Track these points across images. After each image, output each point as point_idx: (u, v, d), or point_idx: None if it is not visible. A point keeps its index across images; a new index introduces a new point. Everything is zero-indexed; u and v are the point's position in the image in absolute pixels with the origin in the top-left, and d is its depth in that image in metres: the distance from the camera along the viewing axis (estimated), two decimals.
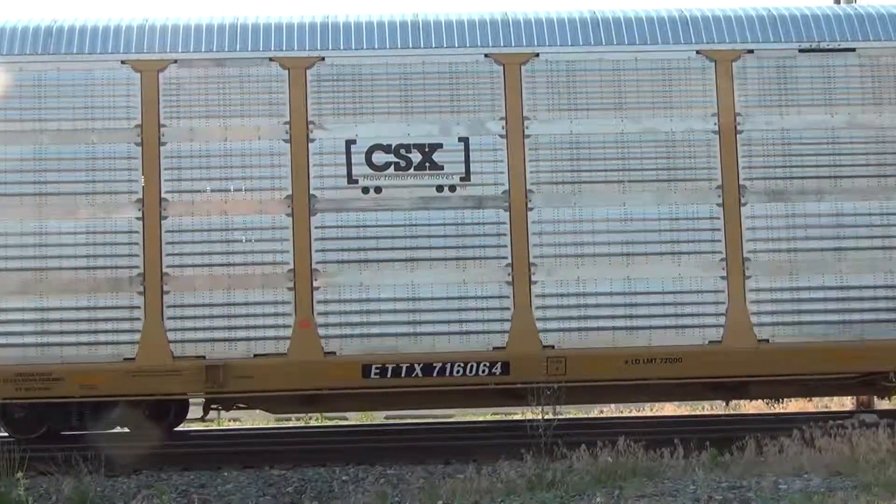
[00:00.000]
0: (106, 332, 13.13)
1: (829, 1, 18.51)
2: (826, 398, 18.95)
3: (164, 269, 13.19)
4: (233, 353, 13.14)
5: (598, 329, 13.31)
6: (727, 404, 16.78)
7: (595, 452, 10.87)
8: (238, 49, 13.58)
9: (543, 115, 13.54)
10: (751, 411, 18.84)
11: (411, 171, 13.44)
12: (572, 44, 13.71)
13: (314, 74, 13.50)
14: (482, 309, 13.28)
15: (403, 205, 13.38)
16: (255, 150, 13.40)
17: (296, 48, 13.58)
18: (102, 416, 13.62)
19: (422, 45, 13.67)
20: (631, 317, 13.33)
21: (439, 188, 13.44)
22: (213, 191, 13.33)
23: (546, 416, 11.44)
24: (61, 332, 13.10)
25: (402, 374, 13.18)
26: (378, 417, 19.57)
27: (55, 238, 13.21)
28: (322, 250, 13.29)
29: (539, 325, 13.27)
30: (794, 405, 18.65)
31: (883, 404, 17.89)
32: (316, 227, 13.30)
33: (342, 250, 13.31)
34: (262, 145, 13.39)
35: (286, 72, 13.49)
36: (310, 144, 13.41)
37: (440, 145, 13.48)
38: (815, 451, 10.91)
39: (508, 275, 13.31)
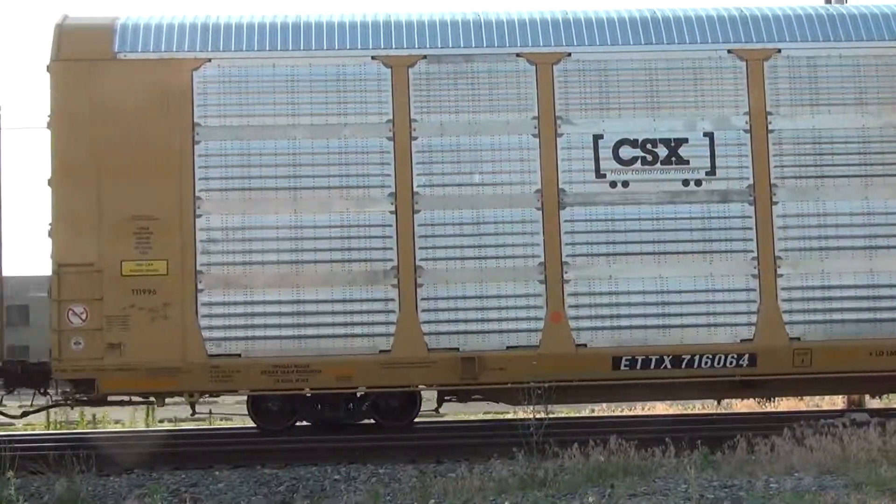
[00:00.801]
0: (362, 324, 13.35)
1: None
2: (817, 397, 19.13)
3: (418, 263, 13.40)
4: (486, 345, 13.36)
5: (843, 321, 13.50)
6: (719, 403, 16.93)
7: (587, 451, 10.89)
8: (485, 45, 13.73)
9: (786, 110, 13.70)
10: (742, 410, 18.91)
11: (657, 165, 13.62)
12: (812, 39, 13.83)
13: (560, 70, 13.66)
14: (729, 302, 13.48)
15: (651, 199, 13.57)
16: (504, 144, 13.57)
17: (541, 44, 13.74)
18: (354, 408, 13.84)
19: (665, 41, 13.81)
20: (875, 309, 13.53)
21: (685, 182, 13.61)
22: (463, 185, 13.50)
23: (537, 415, 11.58)
24: (318, 325, 13.33)
25: (652, 366, 13.40)
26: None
27: (310, 232, 13.41)
28: (571, 244, 13.49)
29: (785, 317, 13.47)
30: (784, 404, 18.67)
31: (874, 403, 18.04)
32: (565, 221, 13.50)
33: (591, 244, 13.50)
34: (510, 140, 13.57)
35: (533, 67, 13.65)
36: (558, 139, 13.59)
37: (685, 140, 13.65)
38: (807, 449, 10.91)
39: (755, 268, 13.50)
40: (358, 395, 13.85)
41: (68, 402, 13.99)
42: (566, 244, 13.48)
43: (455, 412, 20.14)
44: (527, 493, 9.74)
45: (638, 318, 13.45)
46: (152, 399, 14.00)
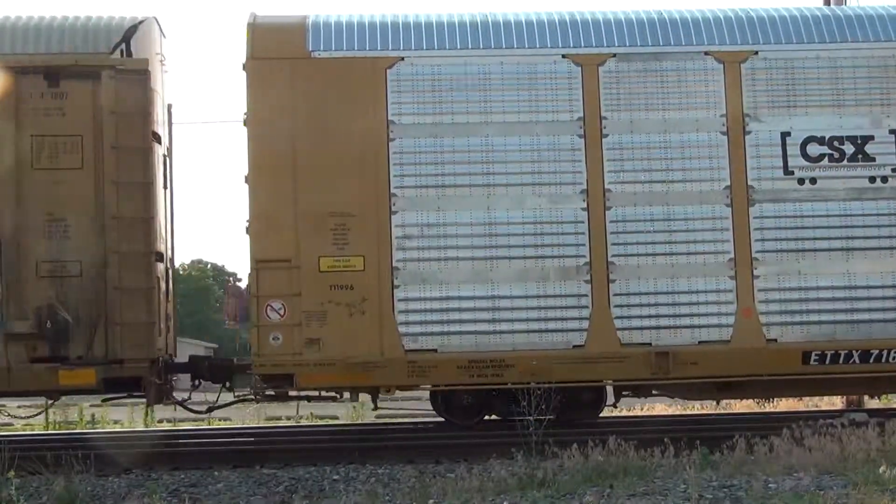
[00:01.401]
0: (555, 319, 13.51)
1: None
2: (816, 397, 19.05)
3: (610, 259, 13.56)
4: (678, 340, 13.52)
5: None
6: (717, 403, 16.94)
7: (586, 451, 10.86)
8: (673, 43, 13.88)
9: None
10: (741, 410, 18.90)
11: (844, 162, 13.77)
12: None
13: (748, 68, 13.80)
14: None
15: (839, 195, 13.71)
16: (693, 142, 13.72)
17: (728, 42, 13.88)
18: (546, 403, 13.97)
19: (849, 39, 13.95)
20: None
21: (872, 179, 13.76)
22: (654, 182, 13.65)
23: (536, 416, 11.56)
24: (512, 320, 13.49)
25: (840, 361, 13.54)
26: (369, 416, 19.62)
27: (504, 228, 13.57)
28: (761, 240, 13.65)
29: None
30: (783, 404, 18.71)
31: (872, 403, 18.06)
32: (755, 218, 13.65)
33: (780, 240, 13.66)
34: (699, 137, 13.72)
35: (721, 65, 13.79)
36: (746, 137, 13.73)
37: (871, 137, 13.79)
38: (805, 450, 10.87)
39: None
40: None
41: (257, 397, 14.19)
42: (756, 240, 13.63)
43: None
44: (526, 493, 9.74)
45: (827, 314, 13.60)
46: (345, 395, 14.13)
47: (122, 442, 13.80)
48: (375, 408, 14.63)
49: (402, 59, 13.70)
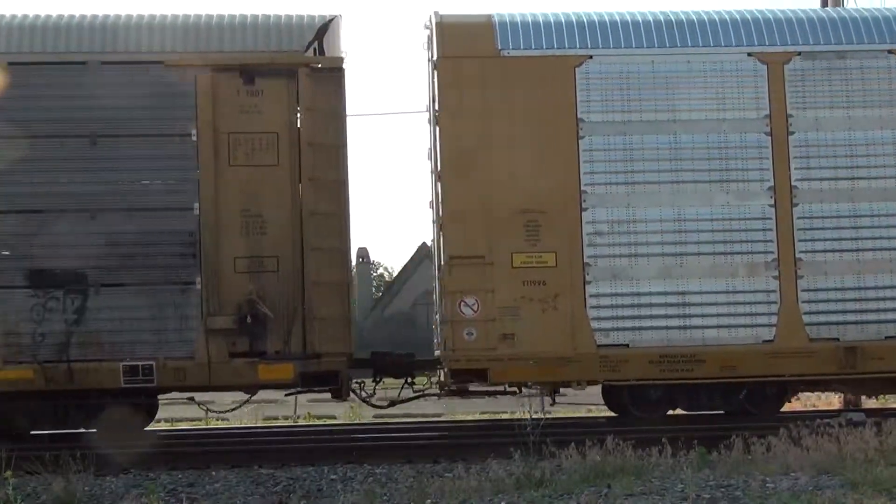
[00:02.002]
0: (744, 315, 13.68)
1: None
2: (813, 397, 19.23)
3: (797, 255, 13.72)
4: (864, 335, 13.68)
5: None
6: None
7: (584, 451, 10.86)
8: (856, 42, 14.03)
9: None
10: None
11: None
12: None
13: None
14: None
15: None
16: (878, 139, 13.88)
17: None
18: (731, 397, 14.14)
19: None
20: None
21: None
22: (839, 179, 13.81)
23: (534, 415, 11.60)
24: (702, 316, 13.66)
25: None
26: (367, 416, 19.60)
27: (693, 224, 13.74)
28: None
29: None
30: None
31: (870, 403, 18.14)
32: None
33: None
34: (884, 135, 13.88)
35: None
36: None
37: None
38: (803, 449, 10.87)
39: None
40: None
41: (442, 391, 14.35)
42: None
43: (452, 412, 20.25)
44: (523, 493, 9.75)
45: None
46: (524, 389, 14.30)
47: (119, 442, 13.55)
48: (553, 402, 14.79)
49: (591, 57, 13.86)
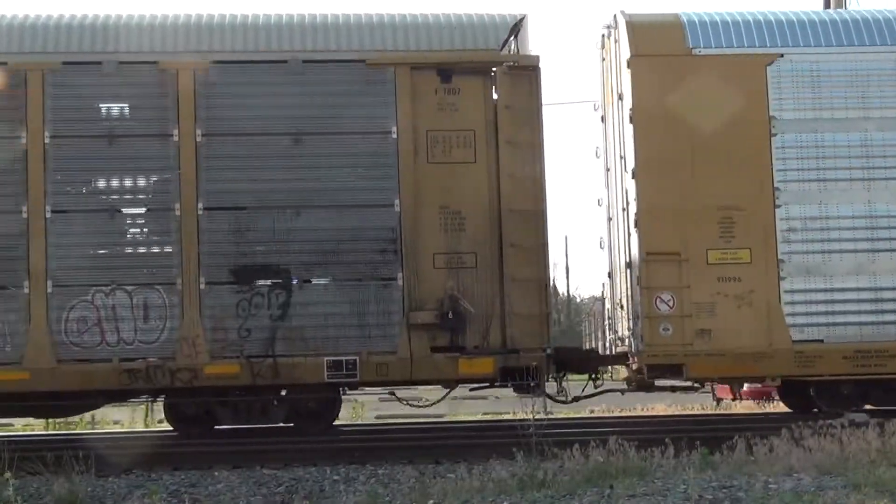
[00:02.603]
0: None
1: None
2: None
3: None
4: None
5: None
6: (718, 404, 16.96)
7: (586, 452, 10.82)
8: None
9: None
10: (741, 411, 18.74)
11: None
12: None
13: None
14: None
15: None
16: None
17: None
18: None
19: None
20: None
21: None
22: None
23: (536, 416, 11.58)
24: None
25: None
26: (369, 417, 19.55)
27: (885, 221, 13.91)
28: None
29: None
30: (782, 405, 18.32)
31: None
32: None
33: None
34: None
35: None
36: None
37: None
38: (805, 450, 10.86)
39: None
40: None
41: (629, 386, 14.50)
42: None
43: (454, 413, 20.18)
44: (526, 493, 9.72)
45: None
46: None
47: (122, 442, 13.88)
48: (736, 398, 14.93)
49: (782, 55, 14.01)
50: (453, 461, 12.12)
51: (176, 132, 13.46)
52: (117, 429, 19.45)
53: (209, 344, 13.31)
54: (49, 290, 13.22)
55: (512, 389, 14.48)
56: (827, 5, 20.46)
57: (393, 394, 14.28)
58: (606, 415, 18.69)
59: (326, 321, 13.47)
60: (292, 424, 13.96)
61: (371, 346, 13.46)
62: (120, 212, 13.48)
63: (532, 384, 13.70)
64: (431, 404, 14.73)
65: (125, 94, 13.55)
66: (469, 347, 13.61)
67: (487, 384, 14.20)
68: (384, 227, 13.61)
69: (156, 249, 13.49)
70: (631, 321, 14.21)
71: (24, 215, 13.28)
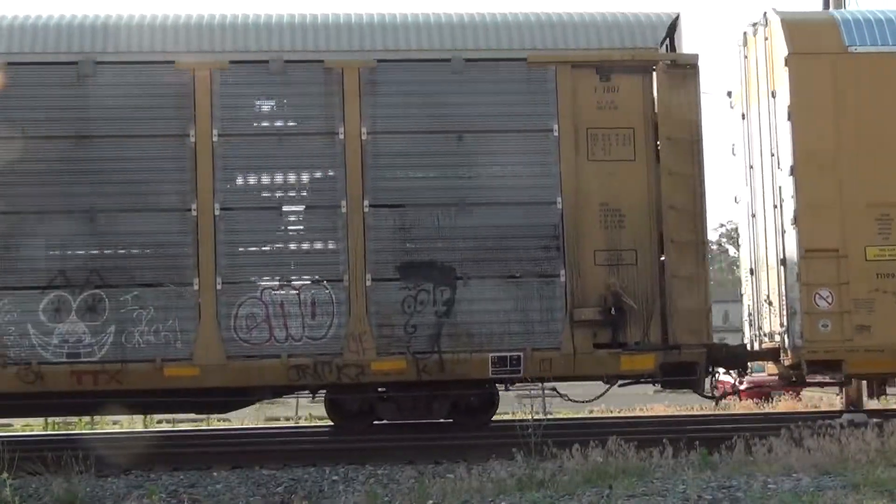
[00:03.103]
0: None
1: None
2: (815, 398, 19.27)
3: None
4: None
5: None
6: (717, 404, 16.98)
7: (585, 452, 10.79)
8: None
9: None
10: (740, 411, 18.74)
11: None
12: None
13: None
14: None
15: None
16: None
17: None
18: None
19: None
20: None
21: None
22: None
23: (536, 416, 11.59)
24: None
25: None
26: None
27: None
28: None
29: None
30: (783, 405, 18.75)
31: (871, 404, 18.14)
32: None
33: None
34: None
35: None
36: None
37: None
38: (804, 450, 10.81)
39: None
40: None
41: (782, 382, 14.60)
42: None
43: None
44: (525, 494, 9.70)
45: None
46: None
47: (121, 443, 13.85)
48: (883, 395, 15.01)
49: None
50: (453, 461, 12.20)
51: (342, 130, 13.58)
52: (116, 429, 19.40)
53: (376, 340, 13.45)
54: (218, 287, 13.37)
55: (661, 385, 14.62)
56: (826, 5, 20.56)
57: (555, 389, 14.36)
58: (606, 415, 18.81)
59: (490, 317, 13.60)
60: (451, 420, 14.07)
61: (534, 342, 13.59)
62: (286, 209, 13.60)
63: (693, 380, 13.86)
64: (592, 400, 14.80)
65: (291, 93, 13.68)
66: (630, 343, 13.72)
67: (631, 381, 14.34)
68: (546, 225, 13.73)
69: (322, 246, 13.61)
70: (784, 317, 14.29)
71: (194, 213, 13.43)
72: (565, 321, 13.61)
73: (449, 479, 10.68)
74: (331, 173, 13.64)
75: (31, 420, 17.98)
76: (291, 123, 13.69)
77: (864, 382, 16.02)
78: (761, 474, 10.13)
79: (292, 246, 13.62)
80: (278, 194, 13.64)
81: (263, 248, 13.58)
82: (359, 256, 13.49)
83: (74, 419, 19.14)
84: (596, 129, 13.85)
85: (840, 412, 15.79)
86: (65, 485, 10.57)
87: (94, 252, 13.36)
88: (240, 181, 13.60)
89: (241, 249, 13.52)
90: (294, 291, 13.47)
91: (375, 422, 14.16)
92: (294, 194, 13.65)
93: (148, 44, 13.72)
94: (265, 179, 13.66)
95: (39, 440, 14.42)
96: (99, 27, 13.77)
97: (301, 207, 13.63)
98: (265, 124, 13.69)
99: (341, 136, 13.60)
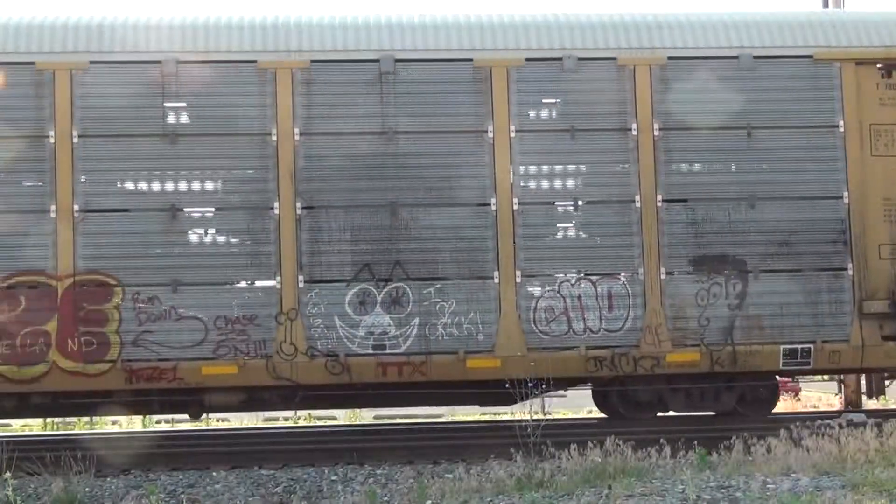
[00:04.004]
0: None
1: None
2: (814, 397, 19.32)
3: None
4: None
5: None
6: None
7: (584, 452, 10.83)
8: None
9: None
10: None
11: None
12: None
13: None
14: None
15: None
16: None
17: None
18: None
19: None
20: None
21: None
22: None
23: (535, 416, 11.63)
24: None
25: None
26: (367, 417, 19.57)
27: None
28: None
29: None
30: (782, 405, 18.40)
31: (870, 404, 18.23)
32: None
33: None
34: None
35: None
36: None
37: None
38: (803, 450, 10.85)
39: None
40: None
41: None
42: None
43: (452, 413, 20.26)
44: (524, 494, 9.71)
45: None
46: None
47: (120, 443, 13.95)
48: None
49: None
50: (451, 461, 12.29)
51: (635, 126, 13.83)
52: (115, 429, 19.45)
53: (670, 332, 13.67)
54: (518, 280, 13.60)
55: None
56: (825, 5, 20.79)
57: (843, 380, 14.58)
58: (604, 415, 18.74)
59: (781, 310, 13.81)
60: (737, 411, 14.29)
61: (824, 334, 13.80)
62: (581, 203, 13.80)
63: None
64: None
65: (583, 89, 13.91)
66: None
67: None
68: (834, 219, 13.97)
69: (618, 240, 13.82)
70: None
71: (493, 208, 13.64)
72: (853, 314, 13.84)
73: (448, 479, 10.76)
74: (624, 168, 13.86)
75: (30, 420, 18.03)
76: (587, 119, 13.89)
77: (864, 382, 16.14)
78: (760, 474, 10.17)
79: (587, 240, 13.82)
80: (571, 188, 13.87)
81: (560, 243, 13.80)
82: (653, 250, 13.72)
83: (74, 419, 18.97)
84: (878, 125, 14.08)
85: (839, 412, 15.81)
86: (64, 485, 10.64)
87: (398, 246, 13.58)
88: (532, 175, 13.81)
89: (539, 243, 13.73)
90: (590, 285, 13.69)
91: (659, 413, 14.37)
92: (588, 189, 13.86)
93: (444, 42, 13.95)
94: (558, 173, 13.88)
95: (38, 440, 14.43)
96: (395, 25, 14.00)
97: (595, 202, 13.84)
98: (560, 119, 13.91)
99: (634, 133, 13.83)
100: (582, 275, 13.72)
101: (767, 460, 10.77)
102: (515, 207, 13.69)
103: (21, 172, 13.32)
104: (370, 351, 13.43)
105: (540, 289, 13.66)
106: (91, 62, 13.37)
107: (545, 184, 13.90)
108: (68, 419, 19.03)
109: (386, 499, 10.45)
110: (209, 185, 13.54)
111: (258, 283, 13.43)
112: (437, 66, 13.81)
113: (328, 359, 13.34)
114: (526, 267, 13.67)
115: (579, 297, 13.68)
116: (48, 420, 18.74)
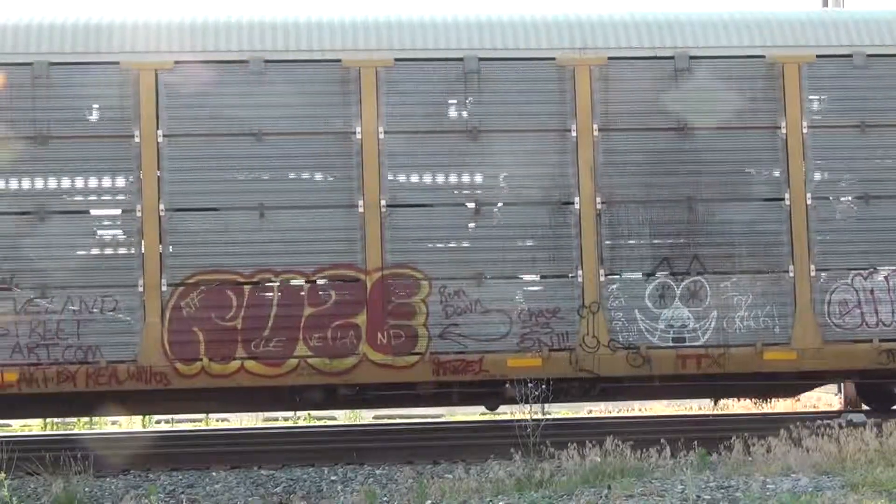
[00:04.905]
0: None
1: None
2: (814, 397, 18.17)
3: None
4: None
5: None
6: (715, 404, 15.92)
7: (584, 452, 10.65)
8: None
9: None
10: (738, 411, 17.58)
11: None
12: None
13: None
14: None
15: None
16: None
17: None
18: None
19: None
20: None
21: None
22: None
23: (534, 416, 11.15)
24: None
25: None
26: (367, 417, 18.01)
27: None
28: None
29: None
30: (781, 405, 17.62)
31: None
32: None
33: None
34: None
35: None
36: None
37: None
38: (803, 450, 10.70)
39: None
40: None
41: None
42: None
43: (451, 413, 19.46)
44: (524, 494, 9.70)
45: None
46: None
47: (119, 443, 13.96)
48: None
49: None
50: (451, 461, 12.41)
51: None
52: (115, 429, 19.18)
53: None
54: (812, 274, 14.06)
55: None
56: (825, 5, 18.68)
57: None
58: (604, 415, 18.42)
59: None
60: None
61: None
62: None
63: None
64: None
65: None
66: None
67: None
68: None
69: None
70: None
71: (787, 203, 14.13)
72: None
73: (447, 479, 11.05)
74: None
75: (29, 420, 18.14)
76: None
77: None
78: (760, 474, 10.32)
79: (873, 234, 14.23)
80: (859, 185, 14.27)
81: (851, 237, 14.19)
82: None
83: (74, 420, 18.92)
84: None
85: (839, 412, 15.44)
86: (63, 485, 10.95)
87: (695, 240, 14.05)
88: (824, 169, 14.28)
89: (832, 238, 14.17)
90: (882, 278, 14.21)
91: None
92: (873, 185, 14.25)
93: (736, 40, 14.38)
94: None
95: (38, 440, 14.61)
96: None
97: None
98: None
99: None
100: (874, 268, 14.14)
101: (767, 460, 11.04)
102: (809, 203, 14.20)
103: (329, 168, 13.81)
104: (670, 343, 13.90)
105: (833, 283, 14.09)
106: (396, 60, 13.82)
107: (841, 180, 14.32)
108: (68, 419, 18.71)
109: (386, 499, 10.81)
110: (511, 181, 13.95)
111: (561, 278, 13.96)
112: (732, 62, 14.23)
113: (629, 351, 13.83)
114: (820, 261, 14.10)
115: (871, 290, 14.10)
116: (48, 420, 18.65)
